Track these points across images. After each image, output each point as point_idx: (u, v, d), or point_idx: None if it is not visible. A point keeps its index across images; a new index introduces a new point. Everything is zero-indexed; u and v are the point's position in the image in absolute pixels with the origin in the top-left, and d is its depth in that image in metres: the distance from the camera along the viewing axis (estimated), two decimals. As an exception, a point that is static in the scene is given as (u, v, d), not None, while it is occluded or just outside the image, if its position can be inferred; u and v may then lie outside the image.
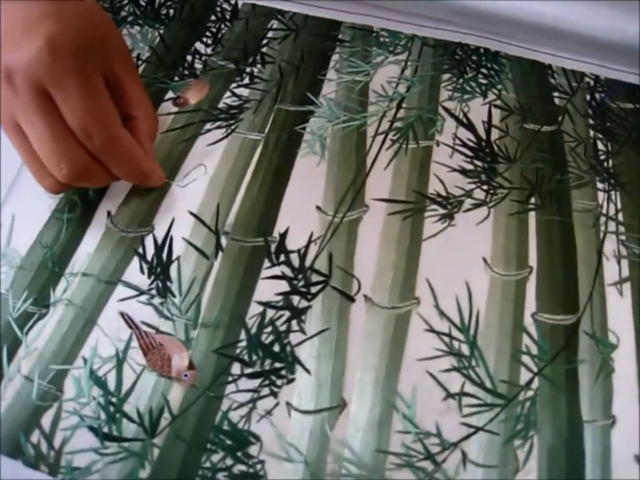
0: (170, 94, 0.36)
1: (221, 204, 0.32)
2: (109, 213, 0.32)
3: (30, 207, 0.32)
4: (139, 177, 0.32)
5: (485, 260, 0.31)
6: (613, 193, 0.33)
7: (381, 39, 0.39)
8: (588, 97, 0.37)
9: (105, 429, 0.27)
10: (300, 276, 0.30)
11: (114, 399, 0.27)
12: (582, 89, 0.37)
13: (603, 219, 0.32)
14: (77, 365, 0.28)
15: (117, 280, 0.30)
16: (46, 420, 0.27)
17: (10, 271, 0.31)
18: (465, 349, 0.29)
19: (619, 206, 0.33)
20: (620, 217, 0.32)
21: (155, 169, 0.32)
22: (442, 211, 0.32)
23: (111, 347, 0.29)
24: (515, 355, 0.29)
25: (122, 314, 0.30)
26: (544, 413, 0.27)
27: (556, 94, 0.37)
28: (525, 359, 0.29)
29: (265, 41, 0.39)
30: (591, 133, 0.35)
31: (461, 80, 0.37)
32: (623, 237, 0.32)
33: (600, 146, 0.35)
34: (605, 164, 0.34)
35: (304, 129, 0.35)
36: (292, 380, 0.28)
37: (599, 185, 0.33)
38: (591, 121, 0.36)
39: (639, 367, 0.28)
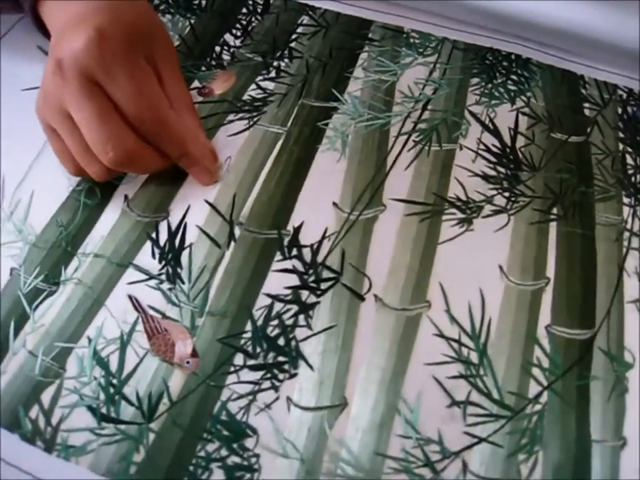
0: (196, 83, 0.36)
1: (238, 195, 0.32)
2: (126, 197, 0.32)
3: (49, 186, 0.33)
4: (186, 160, 0.32)
5: (501, 268, 0.30)
6: (639, 208, 0.32)
7: (411, 40, 0.38)
8: (619, 110, 0.36)
9: (103, 410, 0.27)
10: (311, 271, 0.30)
11: (114, 381, 0.27)
12: (614, 101, 0.36)
13: (626, 234, 0.31)
14: (82, 344, 0.28)
15: (128, 263, 0.30)
16: (46, 396, 0.27)
17: (24, 247, 0.31)
18: (474, 357, 0.28)
19: (645, 222, 0.32)
20: (645, 233, 0.31)
21: (206, 153, 0.32)
22: (460, 215, 0.32)
23: (116, 328, 0.29)
24: (525, 367, 0.28)
25: (130, 297, 0.30)
26: (551, 428, 0.26)
27: (586, 105, 0.36)
28: (536, 371, 0.28)
29: (294, 36, 0.39)
30: (620, 146, 0.34)
31: (490, 85, 0.36)
32: (647, 254, 0.31)
33: (629, 160, 0.34)
34: (633, 179, 0.33)
35: (326, 124, 0.35)
36: (294, 375, 0.27)
37: (625, 200, 0.32)
38: (621, 134, 0.35)
39: (655, 389, 0.27)
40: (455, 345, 0.28)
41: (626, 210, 0.32)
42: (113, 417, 0.27)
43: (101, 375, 0.27)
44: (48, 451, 0.26)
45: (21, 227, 0.32)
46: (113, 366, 0.28)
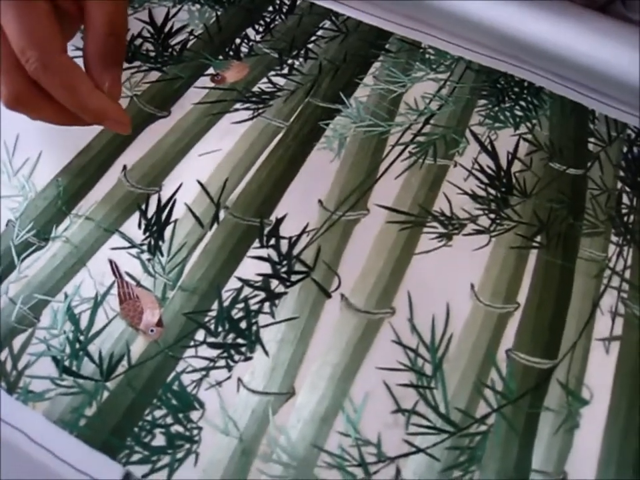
0: (210, 70, 0.38)
1: (229, 180, 0.33)
2: (124, 167, 0.34)
3: (56, 147, 0.34)
4: (85, 112, 0.29)
5: (472, 286, 0.30)
6: (625, 248, 0.32)
7: (427, 56, 0.39)
8: (624, 149, 0.35)
9: (66, 363, 0.28)
10: (284, 262, 0.31)
11: (82, 337, 0.29)
12: (620, 139, 0.36)
13: (607, 272, 0.31)
14: (58, 298, 0.30)
15: (115, 230, 0.32)
16: (17, 342, 0.29)
17: (24, 202, 0.33)
18: (428, 369, 0.28)
19: (629, 263, 0.31)
20: (627, 274, 0.31)
21: (106, 107, 0.29)
22: (441, 230, 0.32)
23: (92, 289, 0.30)
24: (478, 387, 0.28)
25: (110, 261, 0.31)
26: (492, 451, 0.26)
27: (592, 139, 0.36)
28: (488, 393, 0.28)
29: (312, 38, 0.40)
30: (619, 184, 0.34)
31: (496, 108, 0.37)
32: (625, 295, 0.30)
33: (625, 199, 0.33)
34: (625, 218, 0.33)
35: (327, 124, 0.36)
36: (249, 358, 0.28)
37: (613, 238, 0.32)
38: (622, 173, 0.34)
39: (606, 430, 0.27)
40: (412, 355, 0.28)
41: (611, 248, 0.32)
42: (74, 370, 0.28)
43: (70, 330, 0.29)
44: (9, 392, 0.27)
45: (24, 183, 0.33)
46: (83, 323, 0.29)
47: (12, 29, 0.28)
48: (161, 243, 0.31)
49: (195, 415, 0.27)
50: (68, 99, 0.29)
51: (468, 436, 0.27)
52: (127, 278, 0.30)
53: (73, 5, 0.30)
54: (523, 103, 0.37)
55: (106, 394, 0.27)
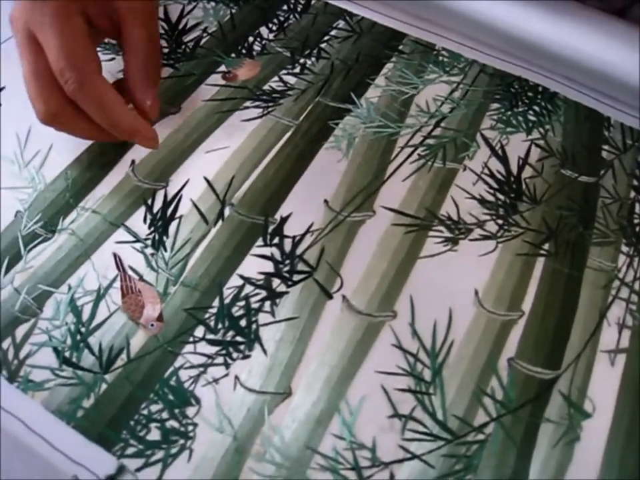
0: (222, 68, 0.38)
1: (236, 177, 0.33)
2: (132, 162, 0.34)
3: (67, 140, 0.35)
4: (117, 130, 0.31)
5: (476, 292, 0.30)
6: (636, 259, 0.31)
7: (440, 58, 0.39)
8: (639, 158, 0.35)
9: (67, 354, 0.28)
10: (287, 261, 0.31)
11: (83, 329, 0.29)
12: (635, 147, 0.35)
13: (616, 282, 0.30)
14: (62, 290, 0.30)
15: (120, 224, 0.32)
16: (20, 331, 0.29)
17: (33, 194, 0.33)
18: (428, 375, 0.28)
19: (639, 274, 0.30)
20: (637, 285, 0.30)
21: (137, 125, 0.31)
22: (447, 234, 0.31)
23: (95, 281, 0.30)
24: (477, 395, 0.27)
25: (114, 255, 0.31)
26: (489, 460, 0.26)
27: (606, 147, 0.35)
28: (487, 401, 0.27)
29: (326, 38, 0.39)
30: (632, 194, 0.33)
31: (509, 112, 0.36)
32: (633, 307, 0.30)
33: (637, 209, 0.33)
34: (637, 228, 0.32)
35: (337, 124, 0.35)
36: (247, 356, 0.28)
37: (624, 248, 0.31)
38: (635, 182, 0.34)
39: (607, 445, 0.26)
40: (411, 360, 0.28)
41: (621, 259, 0.31)
42: (74, 361, 0.28)
43: (72, 322, 0.29)
44: (10, 381, 0.28)
45: (34, 175, 0.34)
46: (85, 315, 0.29)
47: (52, 49, 0.29)
48: (165, 238, 0.31)
49: (190, 411, 0.27)
50: (102, 118, 0.31)
51: (465, 444, 0.26)
52: (130, 272, 0.31)
53: (106, 23, 0.32)
54: (536, 108, 0.36)
55: (104, 386, 0.27)
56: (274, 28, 0.40)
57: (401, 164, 0.34)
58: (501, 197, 0.33)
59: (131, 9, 0.32)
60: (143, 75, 0.32)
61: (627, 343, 0.29)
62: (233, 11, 0.41)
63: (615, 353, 0.28)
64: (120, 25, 0.32)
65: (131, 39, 0.32)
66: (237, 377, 0.28)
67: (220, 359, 0.28)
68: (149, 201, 0.33)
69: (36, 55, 0.30)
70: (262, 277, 0.30)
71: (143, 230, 0.32)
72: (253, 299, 0.30)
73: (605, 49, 0.36)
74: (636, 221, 0.32)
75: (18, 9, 0.30)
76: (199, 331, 0.29)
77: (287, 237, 0.31)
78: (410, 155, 0.34)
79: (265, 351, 0.28)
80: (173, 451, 0.26)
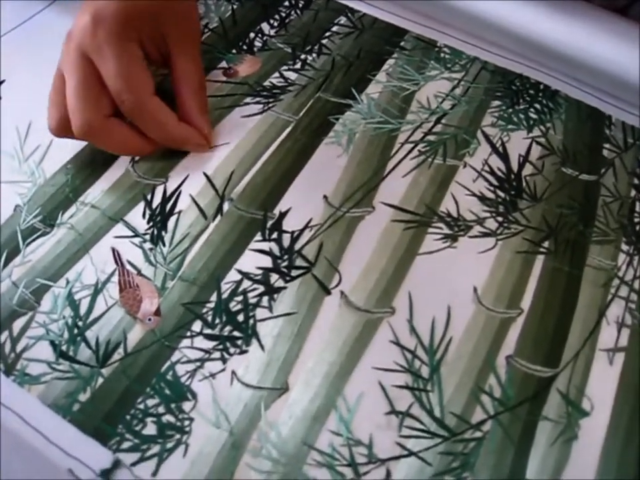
0: (223, 64, 0.38)
1: (235, 172, 0.33)
2: (132, 158, 0.34)
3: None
4: (171, 142, 0.34)
5: (475, 289, 0.30)
6: (636, 257, 0.31)
7: (442, 55, 0.38)
8: (641, 156, 0.34)
9: (64, 347, 0.28)
10: (285, 257, 0.30)
11: (80, 323, 0.29)
12: (637, 146, 0.35)
13: (616, 281, 0.30)
14: (60, 284, 0.30)
15: (119, 218, 0.32)
16: (17, 324, 0.29)
17: (32, 188, 0.33)
18: (425, 372, 0.28)
19: (639, 273, 0.30)
20: (636, 284, 0.30)
21: (189, 135, 0.33)
22: (447, 231, 0.31)
23: (93, 276, 0.30)
24: (475, 393, 0.27)
25: (113, 249, 0.31)
26: (486, 458, 0.26)
27: (607, 145, 0.35)
28: (485, 399, 0.27)
29: (327, 34, 0.39)
30: (633, 192, 0.33)
31: (510, 110, 0.36)
32: (633, 306, 0.29)
33: (638, 208, 0.32)
34: (637, 227, 0.32)
35: (337, 119, 0.35)
36: (245, 351, 0.28)
37: (624, 247, 0.31)
38: (636, 181, 0.33)
39: (605, 444, 0.26)
40: (409, 356, 0.28)
41: (622, 257, 0.31)
42: (71, 355, 0.28)
43: (69, 316, 0.29)
44: (6, 374, 0.28)
45: (33, 169, 0.34)
46: (82, 309, 0.29)
47: (110, 72, 0.31)
48: (163, 232, 0.31)
49: (187, 406, 0.27)
50: (158, 133, 0.33)
51: (462, 442, 0.26)
52: (128, 266, 0.30)
53: (155, 51, 0.34)
54: (537, 106, 0.36)
55: (100, 380, 0.27)
56: (275, 24, 0.40)
57: (401, 160, 0.34)
58: (501, 194, 0.33)
59: (181, 42, 0.34)
60: (196, 104, 0.34)
61: (626, 342, 0.28)
62: (235, 6, 0.41)
63: (613, 351, 0.28)
64: (169, 55, 0.34)
65: (182, 71, 0.34)
66: (233, 372, 0.28)
67: (217, 354, 0.28)
68: (149, 197, 0.33)
69: (86, 73, 0.31)
70: (260, 272, 0.30)
71: (142, 225, 0.32)
72: (250, 294, 0.29)
73: (607, 47, 0.36)
74: (636, 220, 0.32)
75: (77, 29, 0.32)
76: (197, 326, 0.29)
77: (286, 232, 0.31)
78: (410, 151, 0.34)
79: (262, 347, 0.28)
80: (169, 445, 0.26)
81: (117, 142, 0.33)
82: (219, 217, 0.32)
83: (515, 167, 0.34)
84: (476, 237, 0.31)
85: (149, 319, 0.29)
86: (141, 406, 0.27)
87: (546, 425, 0.26)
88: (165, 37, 0.33)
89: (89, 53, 0.31)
